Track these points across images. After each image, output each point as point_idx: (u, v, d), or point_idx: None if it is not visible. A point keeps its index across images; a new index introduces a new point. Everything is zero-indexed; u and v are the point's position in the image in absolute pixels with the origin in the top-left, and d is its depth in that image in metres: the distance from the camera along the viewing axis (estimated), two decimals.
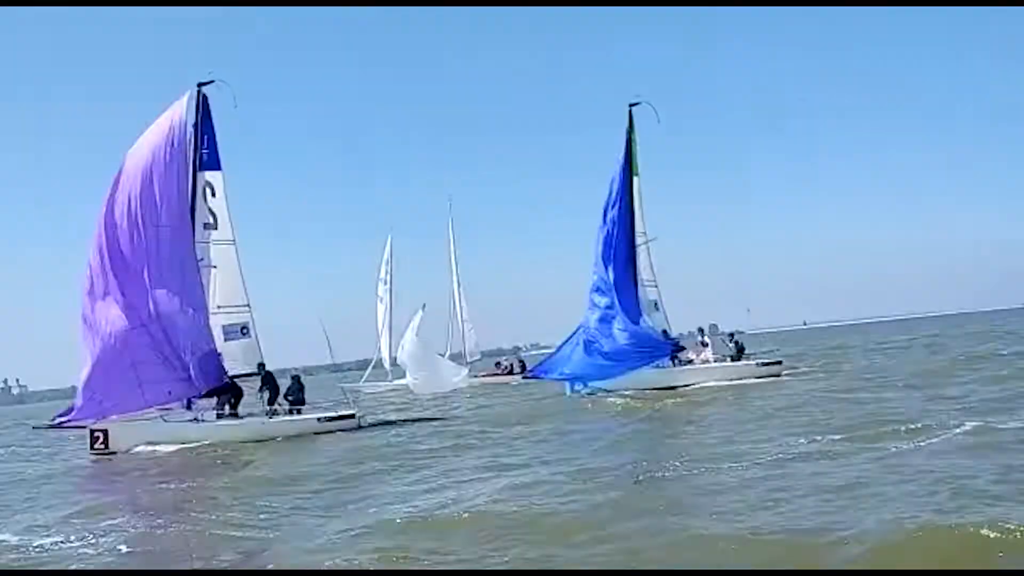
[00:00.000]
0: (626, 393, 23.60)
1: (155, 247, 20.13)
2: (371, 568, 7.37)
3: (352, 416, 20.53)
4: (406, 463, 14.11)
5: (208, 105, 21.77)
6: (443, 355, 45.84)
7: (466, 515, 9.09)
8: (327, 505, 10.81)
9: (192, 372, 19.99)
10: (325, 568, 7.46)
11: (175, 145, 20.67)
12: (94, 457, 19.56)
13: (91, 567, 8.37)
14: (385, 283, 49.80)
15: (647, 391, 23.76)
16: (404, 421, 22.35)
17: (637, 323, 25.60)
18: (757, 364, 26.24)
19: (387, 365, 47.31)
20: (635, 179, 26.94)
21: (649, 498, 9.45)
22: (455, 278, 47.66)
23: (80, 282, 20.22)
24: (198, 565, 8.18)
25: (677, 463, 11.43)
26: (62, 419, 20.48)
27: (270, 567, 7.86)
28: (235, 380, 20.94)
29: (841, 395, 18.91)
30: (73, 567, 8.36)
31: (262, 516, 10.18)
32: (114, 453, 19.59)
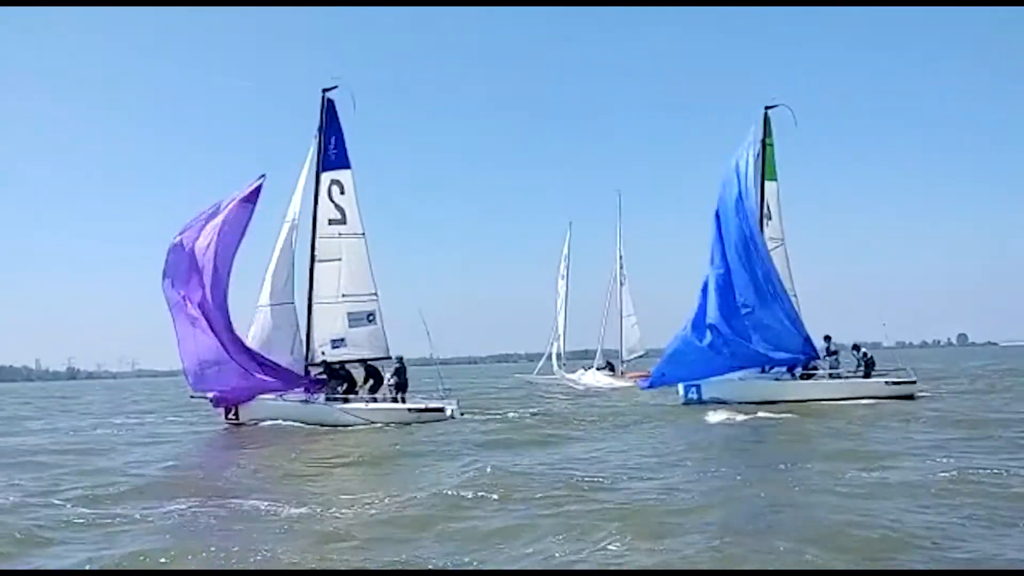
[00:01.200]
0: (740, 404, 22.78)
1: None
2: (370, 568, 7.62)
3: (441, 409, 21.71)
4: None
5: (335, 109, 23.73)
6: (595, 350, 48.24)
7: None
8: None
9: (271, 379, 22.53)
10: (325, 568, 7.62)
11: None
12: (226, 424, 23.15)
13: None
14: (563, 277, 50.37)
15: (762, 404, 22.65)
16: (501, 415, 22.99)
17: (782, 318, 24.47)
18: (886, 382, 24.50)
19: (556, 360, 48.13)
20: (770, 184, 25.93)
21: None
22: (618, 273, 47.37)
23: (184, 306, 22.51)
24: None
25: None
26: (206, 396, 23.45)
27: (271, 567, 7.75)
28: (346, 367, 22.92)
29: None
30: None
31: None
32: (241, 424, 22.88)
